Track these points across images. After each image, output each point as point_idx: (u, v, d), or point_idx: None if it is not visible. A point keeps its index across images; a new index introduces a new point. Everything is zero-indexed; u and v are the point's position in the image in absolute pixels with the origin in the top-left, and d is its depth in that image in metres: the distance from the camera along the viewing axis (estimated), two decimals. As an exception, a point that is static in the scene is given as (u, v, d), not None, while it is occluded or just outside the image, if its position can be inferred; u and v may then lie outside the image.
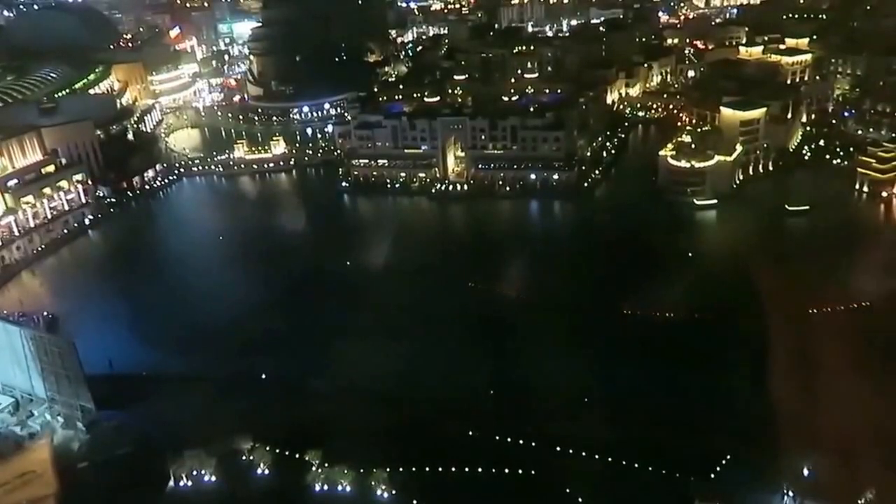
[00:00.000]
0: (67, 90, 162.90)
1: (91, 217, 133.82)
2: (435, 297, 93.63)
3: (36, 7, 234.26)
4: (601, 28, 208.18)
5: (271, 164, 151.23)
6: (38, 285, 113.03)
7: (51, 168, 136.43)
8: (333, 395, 78.49)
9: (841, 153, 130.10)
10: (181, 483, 69.52)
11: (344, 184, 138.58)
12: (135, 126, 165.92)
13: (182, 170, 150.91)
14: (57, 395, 78.39)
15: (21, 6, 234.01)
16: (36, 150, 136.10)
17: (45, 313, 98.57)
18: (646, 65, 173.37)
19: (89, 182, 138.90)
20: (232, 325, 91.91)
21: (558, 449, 68.82)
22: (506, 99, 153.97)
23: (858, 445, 61.62)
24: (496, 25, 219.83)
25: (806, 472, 62.72)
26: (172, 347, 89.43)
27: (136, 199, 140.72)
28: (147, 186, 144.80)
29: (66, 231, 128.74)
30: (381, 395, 77.45)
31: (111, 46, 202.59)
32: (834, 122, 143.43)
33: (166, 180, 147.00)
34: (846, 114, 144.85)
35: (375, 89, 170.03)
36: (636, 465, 66.06)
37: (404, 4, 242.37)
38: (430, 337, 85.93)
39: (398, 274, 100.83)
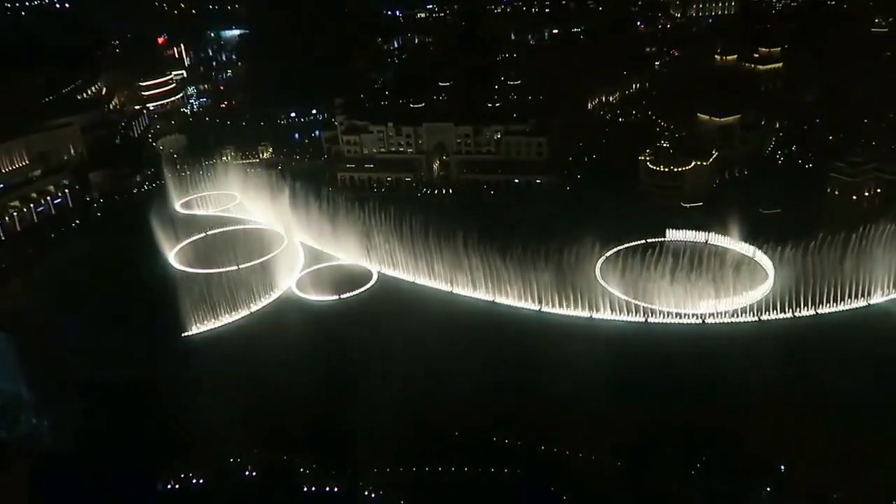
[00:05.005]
0: (54, 95, 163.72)
1: (78, 221, 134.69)
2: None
3: (23, 13, 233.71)
4: (581, 37, 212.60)
5: (258, 169, 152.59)
6: (27, 290, 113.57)
7: (38, 173, 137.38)
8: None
9: (813, 158, 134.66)
10: (169, 486, 70.97)
11: (330, 188, 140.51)
12: (122, 131, 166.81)
13: (170, 175, 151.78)
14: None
15: (7, 11, 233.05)
16: (23, 154, 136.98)
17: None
18: (625, 72, 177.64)
19: (77, 187, 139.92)
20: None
21: (544, 448, 71.43)
22: (490, 105, 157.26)
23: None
24: (480, 34, 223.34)
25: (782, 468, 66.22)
26: (165, 351, 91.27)
27: (124, 203, 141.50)
28: (135, 191, 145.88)
29: (53, 235, 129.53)
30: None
31: (99, 52, 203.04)
32: (806, 127, 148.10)
33: (154, 185, 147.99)
34: (818, 120, 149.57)
35: (362, 95, 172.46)
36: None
37: (390, 13, 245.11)
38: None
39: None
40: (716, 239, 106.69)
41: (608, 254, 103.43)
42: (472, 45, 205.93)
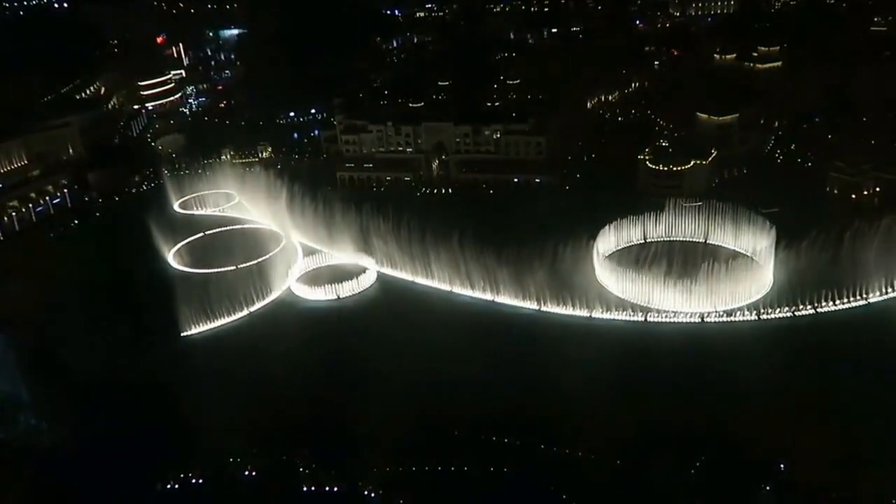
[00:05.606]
0: (53, 95, 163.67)
1: (77, 221, 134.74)
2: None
3: (22, 13, 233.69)
4: (580, 36, 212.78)
5: (257, 169, 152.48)
6: (26, 291, 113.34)
7: (36, 173, 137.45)
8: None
9: (812, 157, 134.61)
10: (169, 486, 70.89)
11: (329, 188, 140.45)
12: (121, 131, 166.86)
13: (168, 174, 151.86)
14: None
15: (6, 12, 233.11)
16: (22, 154, 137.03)
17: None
18: (624, 71, 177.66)
19: (75, 187, 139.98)
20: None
21: (543, 447, 71.31)
22: (489, 105, 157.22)
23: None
24: (479, 33, 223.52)
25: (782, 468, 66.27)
26: (163, 352, 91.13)
27: (123, 203, 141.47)
28: (133, 190, 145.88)
29: (52, 235, 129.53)
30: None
31: (98, 52, 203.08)
32: (805, 127, 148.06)
33: (153, 185, 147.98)
34: (817, 119, 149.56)
35: (361, 95, 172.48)
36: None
37: (390, 12, 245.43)
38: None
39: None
40: (714, 238, 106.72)
41: (607, 253, 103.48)
42: (471, 44, 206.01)
